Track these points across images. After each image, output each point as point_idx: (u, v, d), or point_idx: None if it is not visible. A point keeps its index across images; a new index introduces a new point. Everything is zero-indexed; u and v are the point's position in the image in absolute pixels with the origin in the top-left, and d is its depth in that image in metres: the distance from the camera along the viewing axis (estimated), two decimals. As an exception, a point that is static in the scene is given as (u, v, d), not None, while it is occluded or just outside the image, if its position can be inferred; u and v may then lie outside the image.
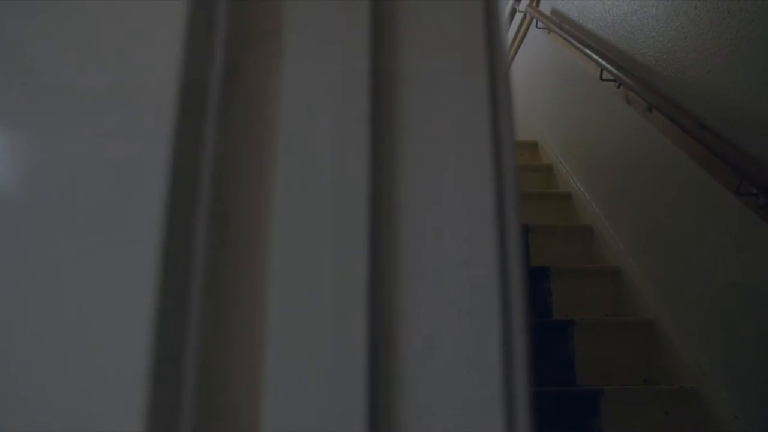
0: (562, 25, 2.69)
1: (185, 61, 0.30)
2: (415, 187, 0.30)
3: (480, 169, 0.30)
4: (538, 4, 3.22)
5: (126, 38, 0.30)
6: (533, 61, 3.46)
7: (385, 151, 0.31)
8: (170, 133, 0.29)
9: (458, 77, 0.32)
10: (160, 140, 0.28)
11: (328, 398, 0.27)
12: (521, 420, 0.28)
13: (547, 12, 3.05)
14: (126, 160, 0.29)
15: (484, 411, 0.27)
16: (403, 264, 0.29)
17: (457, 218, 0.30)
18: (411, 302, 0.29)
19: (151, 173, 0.28)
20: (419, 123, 0.31)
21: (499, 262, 0.29)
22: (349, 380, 0.27)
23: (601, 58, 2.14)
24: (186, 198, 0.29)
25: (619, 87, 2.10)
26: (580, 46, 2.32)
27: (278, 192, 0.30)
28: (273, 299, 0.28)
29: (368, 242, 0.29)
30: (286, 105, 0.31)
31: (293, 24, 0.33)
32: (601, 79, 2.17)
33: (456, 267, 0.29)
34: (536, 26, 3.17)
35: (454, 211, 0.30)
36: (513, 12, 3.67)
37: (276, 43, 0.33)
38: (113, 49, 0.30)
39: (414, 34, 0.33)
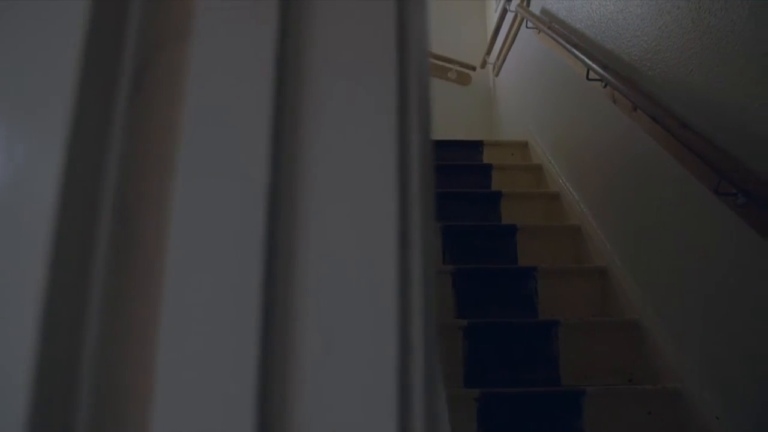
0: (551, 24, 2.69)
1: (86, 61, 0.29)
2: (316, 185, 0.30)
3: (383, 166, 0.30)
4: (528, 4, 3.21)
5: (23, 39, 0.30)
6: (524, 61, 3.46)
7: (288, 149, 0.30)
8: (68, 134, 0.28)
9: (367, 76, 0.31)
10: (56, 141, 0.28)
11: (220, 399, 0.27)
12: (417, 421, 0.27)
13: (537, 11, 3.05)
14: (20, 161, 0.28)
15: (378, 412, 0.27)
16: (302, 261, 0.29)
17: (357, 217, 0.29)
18: (309, 300, 0.29)
19: (44, 173, 0.28)
20: (324, 122, 0.31)
21: (399, 261, 0.29)
22: (241, 380, 0.27)
23: (588, 57, 2.13)
24: (83, 197, 0.28)
25: (605, 87, 2.10)
26: (567, 46, 2.32)
27: (179, 192, 0.29)
28: (169, 298, 0.28)
29: (266, 240, 0.29)
30: (191, 104, 0.31)
31: (203, 25, 0.32)
32: (588, 78, 2.17)
33: (355, 265, 0.29)
34: (526, 26, 3.17)
35: (354, 209, 0.29)
36: (504, 12, 3.67)
37: (186, 44, 0.32)
38: (8, 50, 0.30)
39: (323, 37, 0.32)
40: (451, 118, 4.32)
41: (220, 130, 0.31)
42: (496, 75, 4.21)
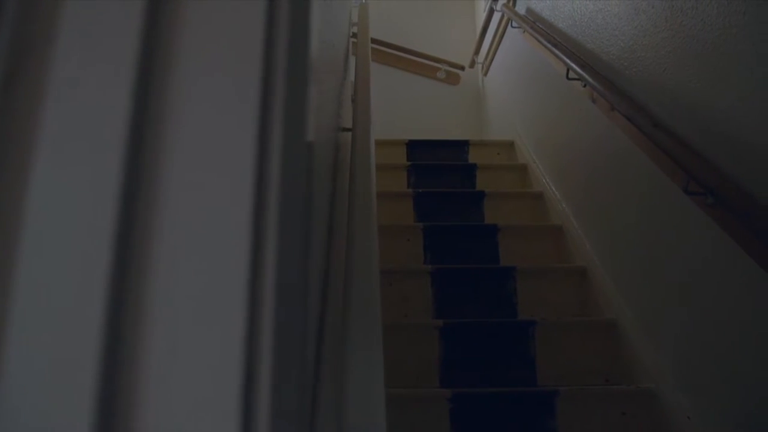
0: (534, 24, 2.68)
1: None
2: (168, 185, 0.29)
3: (237, 167, 0.29)
4: (514, 4, 3.21)
5: None
6: (511, 61, 3.46)
7: (144, 149, 0.30)
8: None
9: (230, 78, 0.31)
10: None
11: (58, 399, 0.26)
12: (261, 425, 0.26)
13: (523, 11, 3.04)
14: None
15: (220, 418, 0.26)
16: (152, 264, 0.28)
17: (208, 220, 0.28)
18: (156, 302, 0.28)
19: None
20: (182, 122, 0.30)
21: (249, 265, 0.28)
22: (80, 381, 0.26)
23: (567, 56, 2.13)
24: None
25: (585, 86, 2.09)
26: (548, 45, 2.31)
27: (32, 195, 0.29)
28: (16, 297, 0.27)
29: (115, 242, 0.28)
30: (50, 106, 0.30)
31: (69, 27, 0.32)
32: (567, 78, 2.16)
33: (205, 269, 0.28)
34: (511, 25, 3.16)
35: (205, 212, 0.29)
36: (491, 11, 3.66)
37: (53, 48, 0.32)
38: None
39: (190, 33, 0.31)
40: (441, 118, 4.32)
41: (80, 129, 0.30)
42: (485, 74, 4.20)
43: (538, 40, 2.51)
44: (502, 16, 3.45)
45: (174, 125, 0.31)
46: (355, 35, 2.48)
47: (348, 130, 1.57)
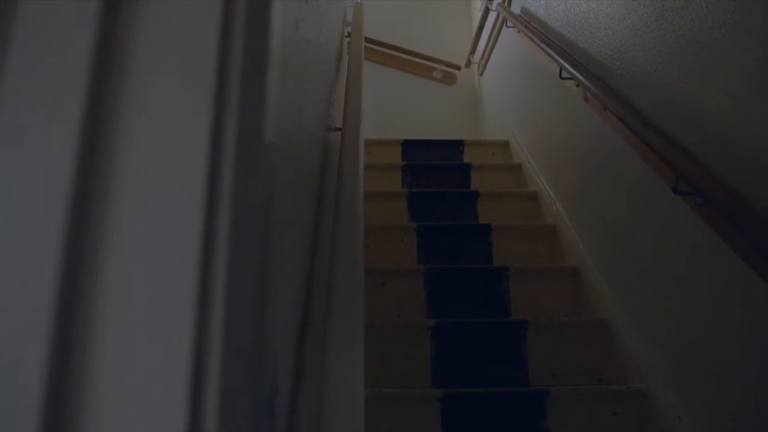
0: (528, 23, 2.68)
1: None
2: (122, 186, 0.29)
3: (189, 168, 0.29)
4: (509, 4, 3.21)
5: None
6: (506, 60, 3.46)
7: (96, 152, 0.29)
8: None
9: (184, 79, 0.30)
10: None
11: (3, 402, 0.26)
12: (210, 425, 0.26)
13: (518, 11, 3.04)
14: None
15: (168, 418, 0.26)
16: (103, 267, 0.28)
17: (159, 222, 0.28)
18: (108, 302, 0.28)
19: None
20: (135, 125, 0.30)
21: (198, 266, 0.28)
22: (28, 380, 0.26)
23: (560, 56, 2.13)
24: None
25: (578, 86, 2.09)
26: (541, 44, 2.31)
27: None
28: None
29: (65, 243, 0.28)
30: (4, 105, 0.30)
31: (24, 28, 0.31)
32: (561, 77, 2.16)
33: (155, 271, 0.28)
34: (506, 25, 3.16)
35: (156, 214, 0.28)
36: (486, 11, 3.66)
37: (7, 47, 0.32)
38: None
39: (143, 39, 0.31)
40: (437, 118, 4.32)
41: (32, 129, 0.30)
42: (481, 74, 4.20)
43: (532, 40, 2.51)
44: (498, 16, 3.45)
45: (127, 127, 0.30)
46: (350, 35, 2.48)
47: (339, 129, 1.57)
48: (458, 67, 4.39)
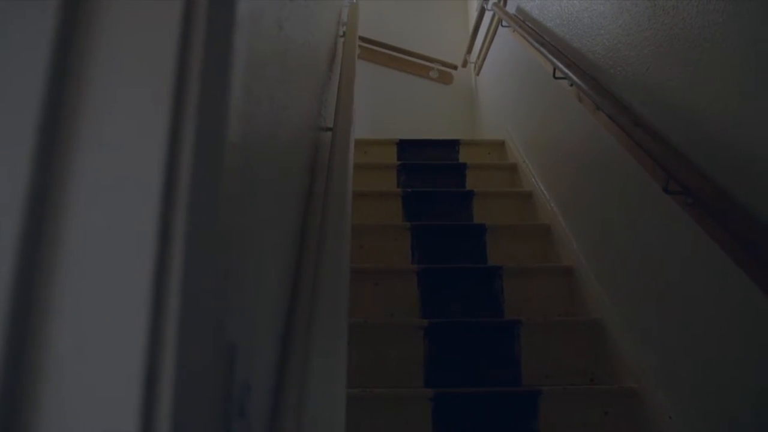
0: (523, 23, 2.68)
1: None
2: (79, 185, 0.29)
3: (148, 166, 0.29)
4: (504, 4, 3.20)
5: None
6: (502, 60, 3.46)
7: (55, 148, 0.29)
8: None
9: (142, 79, 0.30)
10: None
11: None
12: (163, 424, 0.26)
13: (513, 10, 3.04)
14: None
15: (121, 417, 0.26)
16: (59, 266, 0.28)
17: (116, 222, 0.28)
18: (64, 301, 0.28)
19: None
20: (93, 124, 0.30)
21: (155, 267, 0.27)
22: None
23: (554, 55, 2.13)
24: None
25: (571, 85, 2.09)
26: (535, 44, 2.31)
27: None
28: None
29: (21, 242, 0.28)
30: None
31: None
32: (554, 77, 2.16)
33: (111, 268, 0.28)
34: (502, 25, 3.16)
35: (113, 214, 0.28)
36: (482, 10, 3.66)
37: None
38: None
39: (103, 39, 0.31)
40: (434, 118, 4.32)
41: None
42: (477, 74, 4.20)
43: (527, 39, 2.51)
44: (494, 16, 3.45)
45: (86, 124, 0.30)
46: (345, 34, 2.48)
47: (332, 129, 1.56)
48: (455, 67, 4.39)
